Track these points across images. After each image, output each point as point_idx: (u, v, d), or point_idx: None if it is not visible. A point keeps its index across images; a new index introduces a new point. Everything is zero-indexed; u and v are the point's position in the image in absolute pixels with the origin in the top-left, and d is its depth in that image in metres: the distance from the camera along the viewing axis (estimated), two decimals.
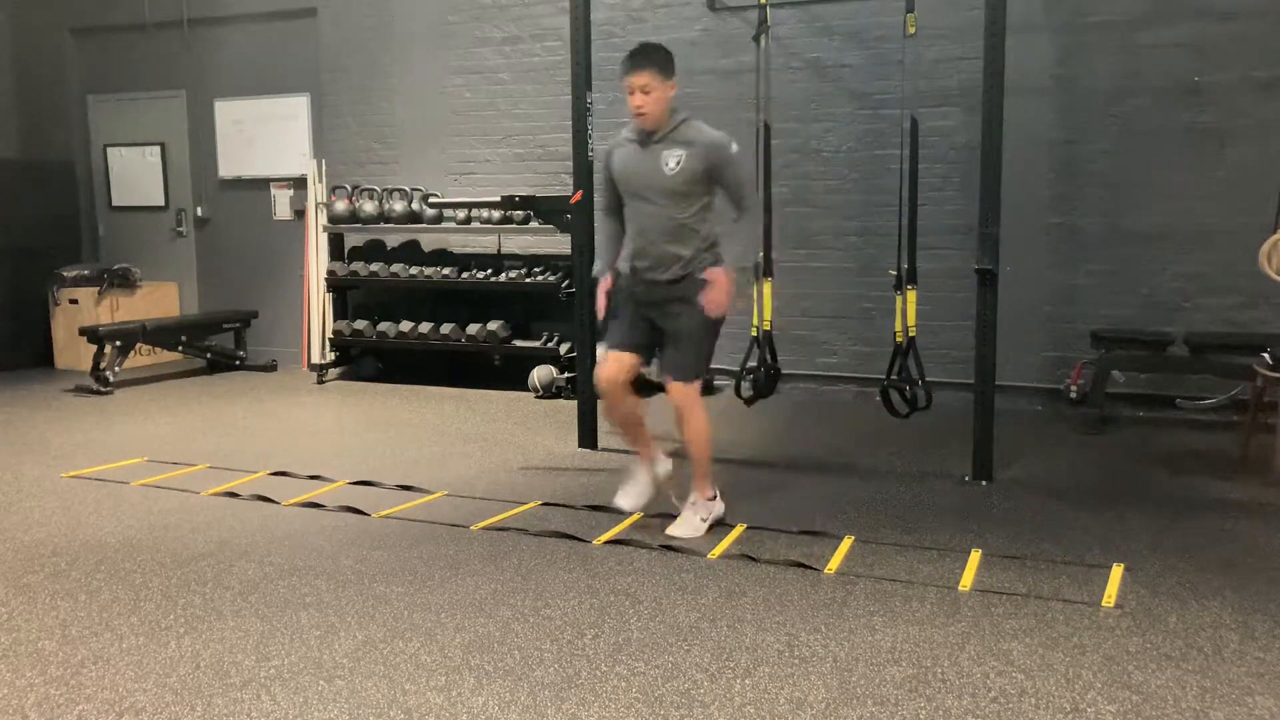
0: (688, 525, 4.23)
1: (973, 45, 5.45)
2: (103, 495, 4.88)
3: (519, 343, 7.61)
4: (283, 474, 5.20)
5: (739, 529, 4.28)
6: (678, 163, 3.98)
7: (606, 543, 4.13)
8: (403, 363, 8.12)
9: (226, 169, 8.96)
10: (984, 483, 4.95)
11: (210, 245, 9.17)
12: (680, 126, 4.04)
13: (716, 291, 4.01)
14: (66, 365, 8.61)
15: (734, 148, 4.03)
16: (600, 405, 4.33)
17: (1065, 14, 6.40)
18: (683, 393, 4.10)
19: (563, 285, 7.15)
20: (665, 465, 4.47)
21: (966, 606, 3.46)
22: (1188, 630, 3.25)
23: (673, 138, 4.02)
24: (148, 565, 3.91)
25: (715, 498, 4.31)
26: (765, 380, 5.80)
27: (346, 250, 8.37)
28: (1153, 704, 2.78)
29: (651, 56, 3.98)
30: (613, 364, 4.19)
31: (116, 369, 7.74)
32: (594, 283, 4.49)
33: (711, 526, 4.25)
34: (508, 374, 7.70)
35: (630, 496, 4.43)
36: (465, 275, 7.66)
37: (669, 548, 4.04)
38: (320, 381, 7.96)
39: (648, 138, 4.06)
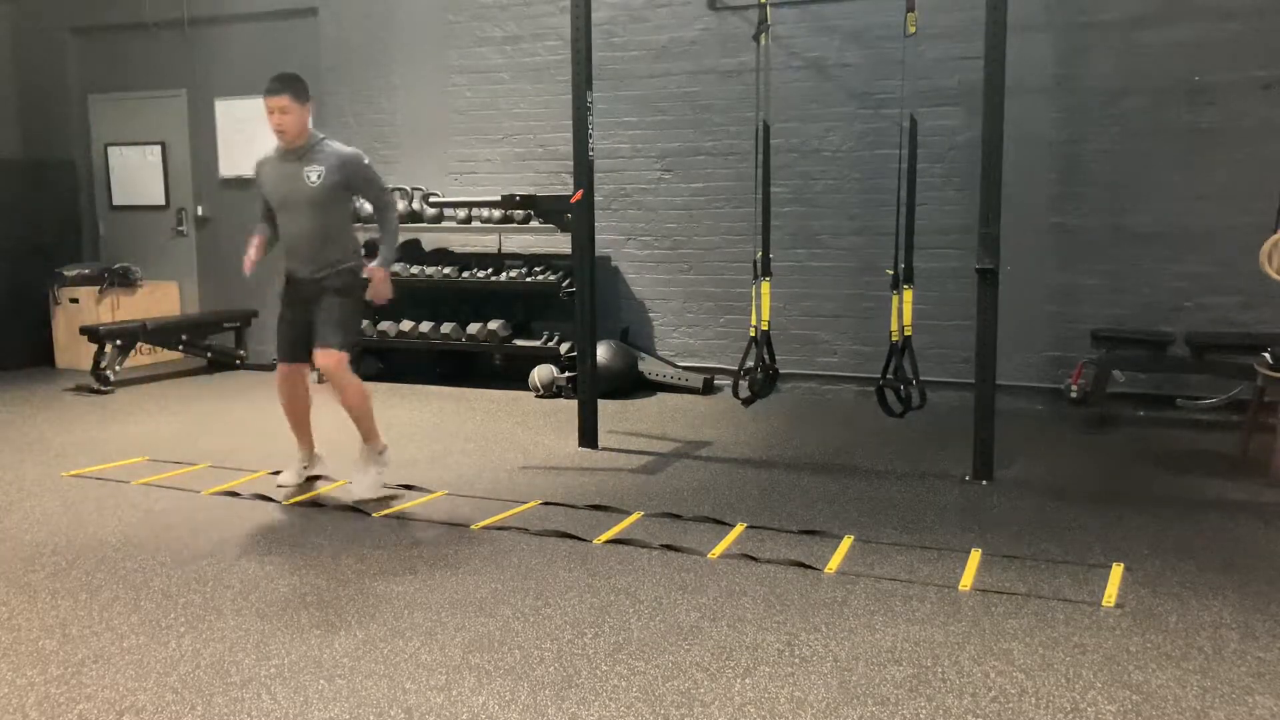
0: (365, 483, 4.74)
1: (973, 45, 5.46)
2: (103, 494, 4.89)
3: (519, 342, 7.61)
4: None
5: (739, 528, 4.28)
6: (318, 176, 4.55)
7: (607, 542, 4.13)
8: (403, 362, 8.12)
9: (227, 168, 8.95)
10: (984, 483, 4.95)
11: (211, 244, 9.17)
12: (318, 144, 4.62)
13: (378, 286, 4.72)
14: (67, 364, 8.61)
15: (365, 160, 4.70)
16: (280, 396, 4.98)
17: (1065, 14, 6.40)
18: (326, 357, 4.65)
19: (563, 284, 7.15)
20: (318, 460, 5.12)
21: (966, 606, 3.46)
22: (1188, 630, 3.26)
23: (312, 154, 4.59)
24: (148, 564, 3.92)
25: (385, 450, 4.91)
26: (763, 380, 5.80)
27: None
28: (1153, 703, 2.79)
29: (288, 83, 4.53)
30: (282, 376, 4.87)
31: (117, 368, 7.74)
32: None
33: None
34: (508, 373, 7.70)
35: (289, 474, 5.01)
36: (466, 274, 7.67)
37: (670, 547, 4.04)
38: (321, 381, 7.95)
39: (290, 154, 4.62)
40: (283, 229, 4.71)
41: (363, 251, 4.90)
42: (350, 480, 4.87)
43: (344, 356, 4.68)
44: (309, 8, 8.43)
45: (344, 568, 3.86)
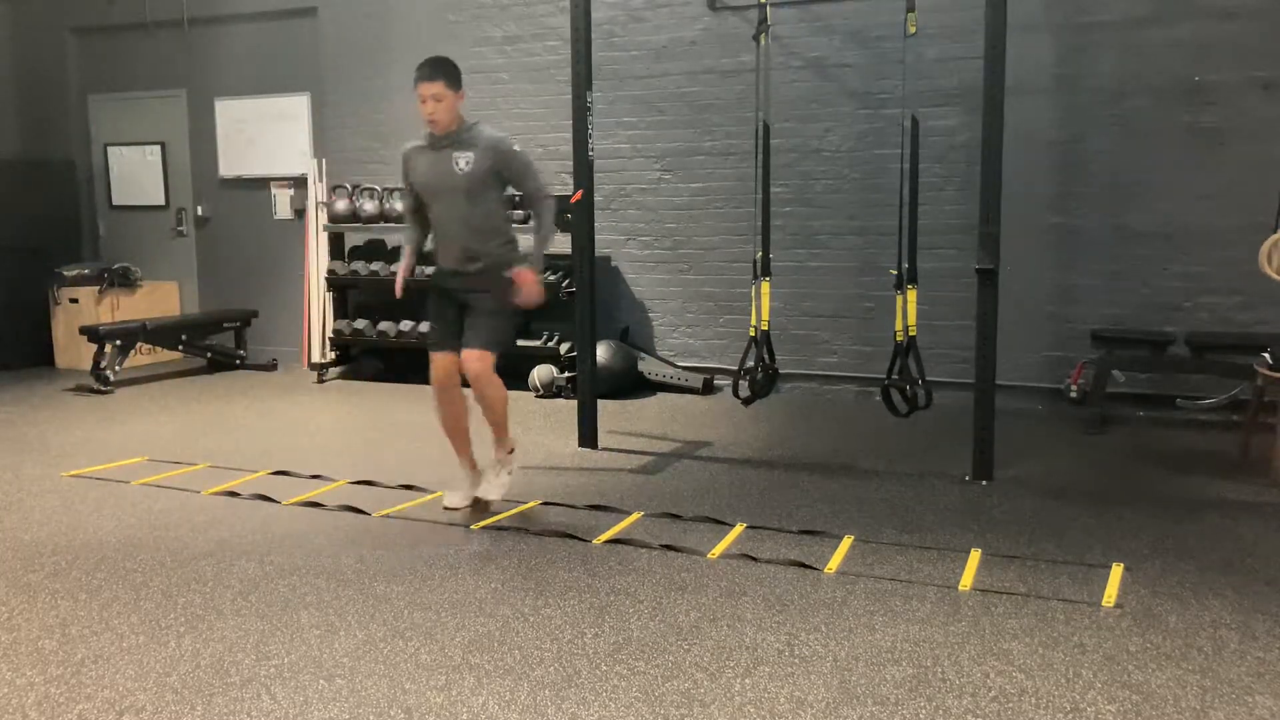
0: (494, 486, 4.56)
1: (973, 45, 5.46)
2: (103, 494, 4.89)
3: (519, 342, 7.58)
4: (283, 473, 5.21)
5: (739, 528, 4.28)
6: (467, 163, 4.32)
7: (606, 542, 4.13)
8: (403, 362, 8.12)
9: (227, 168, 8.96)
10: (984, 483, 4.95)
11: (210, 244, 9.17)
12: (470, 130, 4.38)
13: (529, 290, 4.36)
14: (67, 364, 8.61)
15: (516, 147, 4.44)
16: (434, 406, 4.62)
17: (1065, 14, 6.40)
18: (477, 359, 4.38)
19: (563, 285, 7.15)
20: (477, 473, 4.70)
21: (966, 606, 3.46)
22: (1188, 630, 3.26)
23: (463, 140, 4.36)
24: (148, 564, 3.92)
25: (513, 450, 4.66)
26: (763, 380, 5.80)
27: (347, 249, 8.37)
28: (1153, 703, 2.79)
29: (442, 69, 4.35)
30: (440, 366, 4.48)
31: (117, 368, 7.74)
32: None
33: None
34: (508, 373, 7.67)
35: (456, 496, 4.62)
36: None
37: (669, 547, 4.04)
38: (320, 381, 7.96)
39: (440, 141, 4.39)
40: (434, 220, 4.50)
41: (517, 243, 4.55)
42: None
43: (490, 358, 4.40)
44: (309, 8, 8.43)
45: (344, 567, 3.86)
